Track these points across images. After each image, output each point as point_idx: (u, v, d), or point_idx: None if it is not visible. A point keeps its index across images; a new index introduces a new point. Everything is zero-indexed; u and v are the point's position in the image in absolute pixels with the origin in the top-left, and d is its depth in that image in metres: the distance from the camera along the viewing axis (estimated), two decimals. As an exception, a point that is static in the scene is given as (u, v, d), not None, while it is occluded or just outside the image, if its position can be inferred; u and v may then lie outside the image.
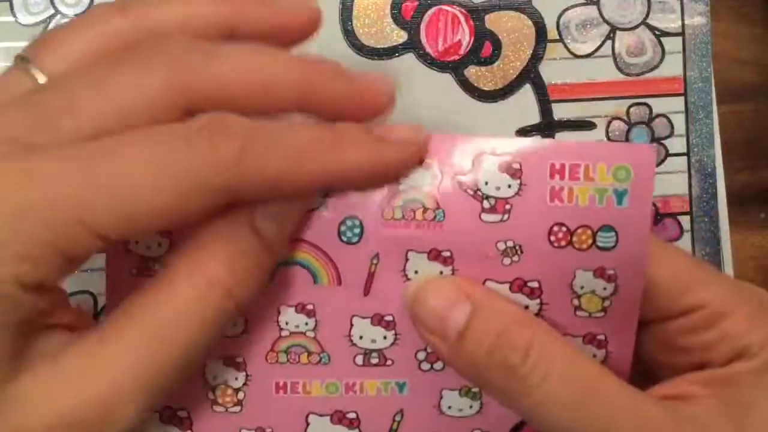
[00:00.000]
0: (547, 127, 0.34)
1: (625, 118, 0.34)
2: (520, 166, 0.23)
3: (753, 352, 0.23)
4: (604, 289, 0.23)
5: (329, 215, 0.23)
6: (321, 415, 0.26)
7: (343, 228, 0.23)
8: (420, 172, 0.23)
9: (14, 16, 0.33)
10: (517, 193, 0.23)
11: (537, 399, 0.22)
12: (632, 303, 0.23)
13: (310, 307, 0.24)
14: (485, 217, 0.23)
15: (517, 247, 0.23)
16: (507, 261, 0.23)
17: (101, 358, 0.20)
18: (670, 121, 0.34)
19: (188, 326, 0.20)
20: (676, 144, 0.34)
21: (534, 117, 0.34)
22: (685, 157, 0.34)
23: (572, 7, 0.34)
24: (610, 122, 0.34)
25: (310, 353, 0.25)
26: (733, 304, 0.23)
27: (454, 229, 0.23)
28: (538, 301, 0.24)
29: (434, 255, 0.23)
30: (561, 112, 0.34)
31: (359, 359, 0.25)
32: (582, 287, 0.23)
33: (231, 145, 0.19)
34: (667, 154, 0.34)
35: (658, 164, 0.34)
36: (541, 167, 0.23)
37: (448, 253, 0.23)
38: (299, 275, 0.24)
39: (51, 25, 0.33)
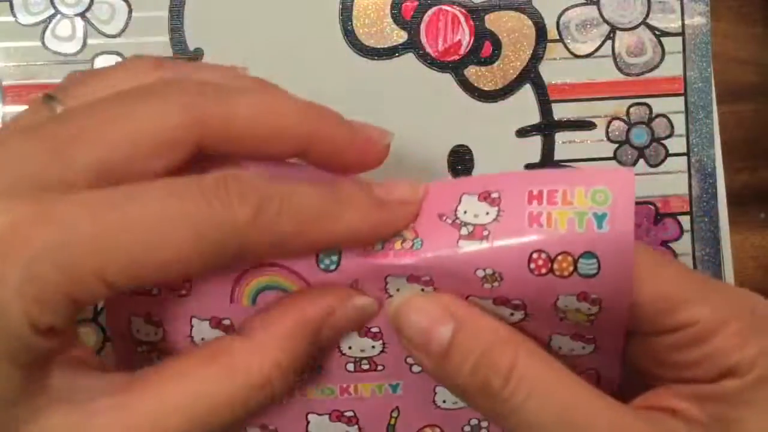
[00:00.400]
0: (547, 127, 0.34)
1: (625, 118, 0.34)
2: (499, 194, 0.22)
3: (743, 370, 0.22)
4: (589, 309, 0.22)
5: None
6: (320, 415, 0.26)
7: (321, 255, 0.23)
8: None
9: (14, 16, 0.33)
10: (495, 219, 0.22)
11: (519, 419, 0.22)
12: (619, 321, 0.23)
13: None
14: (462, 243, 0.22)
15: (496, 275, 0.22)
16: (488, 286, 0.22)
17: (133, 416, 0.20)
18: (670, 121, 0.34)
19: (225, 412, 0.21)
20: (676, 144, 0.34)
21: (534, 117, 0.34)
22: (685, 157, 0.34)
23: (572, 7, 0.34)
24: (610, 122, 0.34)
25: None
26: (723, 319, 0.22)
27: (432, 255, 0.22)
28: (522, 312, 0.23)
29: (413, 279, 0.23)
30: (561, 112, 0.34)
31: (350, 366, 0.25)
32: (566, 306, 0.23)
33: (247, 207, 0.20)
34: (667, 154, 0.34)
35: (658, 164, 0.34)
36: (519, 194, 0.22)
37: (427, 278, 0.23)
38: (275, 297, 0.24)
39: (51, 26, 0.33)
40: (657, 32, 0.35)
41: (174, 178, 0.20)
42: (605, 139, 0.34)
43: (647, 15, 0.35)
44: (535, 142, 0.34)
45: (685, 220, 0.34)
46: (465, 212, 0.22)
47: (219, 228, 0.19)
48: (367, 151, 0.23)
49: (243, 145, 0.21)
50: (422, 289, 0.23)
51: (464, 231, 0.22)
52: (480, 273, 0.22)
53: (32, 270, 0.18)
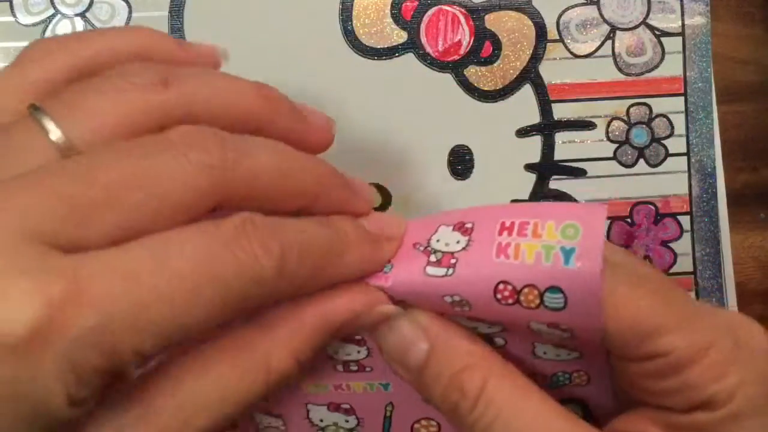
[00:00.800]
0: (547, 127, 0.34)
1: (625, 118, 0.34)
2: (473, 225, 0.23)
3: (717, 403, 0.21)
4: (561, 335, 0.22)
5: None
6: (318, 405, 0.27)
7: None
8: None
9: (14, 16, 0.33)
10: (464, 248, 0.22)
11: None
12: (595, 346, 0.22)
13: None
14: (430, 270, 0.22)
15: (464, 302, 0.22)
16: (458, 309, 0.23)
17: (162, 419, 0.20)
18: (670, 121, 0.34)
19: (245, 404, 0.21)
20: (676, 144, 0.34)
21: (534, 117, 0.34)
22: (685, 157, 0.34)
23: (572, 7, 0.34)
24: (610, 122, 0.34)
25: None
26: (700, 350, 0.21)
27: (401, 279, 0.23)
28: (500, 326, 0.23)
29: (391, 299, 0.23)
30: (561, 112, 0.34)
31: (339, 367, 0.26)
32: (539, 330, 0.22)
33: (272, 260, 0.20)
34: (667, 154, 0.34)
35: (658, 164, 0.34)
36: (491, 225, 0.22)
37: (401, 299, 0.23)
38: None
39: (51, 26, 0.33)
40: (657, 32, 0.35)
41: (194, 232, 0.19)
42: (605, 139, 0.34)
43: (647, 15, 0.35)
44: (535, 142, 0.34)
45: (685, 220, 0.34)
46: (437, 241, 0.23)
47: (246, 281, 0.19)
48: (363, 203, 0.24)
49: (258, 203, 0.21)
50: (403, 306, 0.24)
51: (433, 258, 0.22)
52: (447, 299, 0.22)
53: (72, 357, 0.17)
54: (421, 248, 0.23)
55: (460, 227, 0.23)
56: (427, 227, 0.24)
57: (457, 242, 0.22)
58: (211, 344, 0.21)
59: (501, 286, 0.21)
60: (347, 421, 0.27)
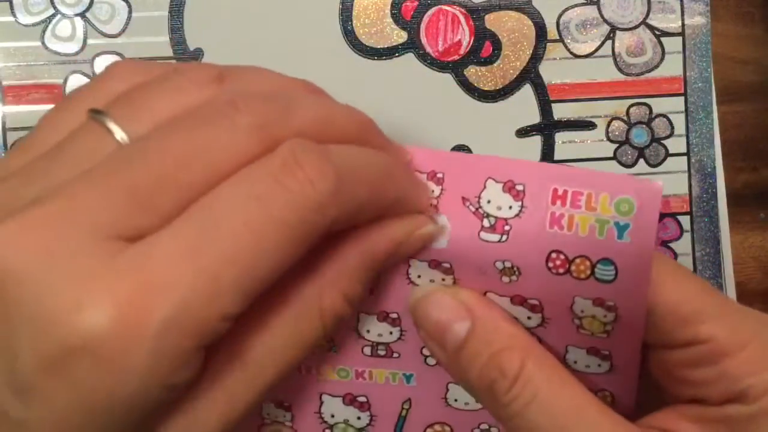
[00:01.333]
0: (547, 127, 0.34)
1: (625, 118, 0.34)
2: (524, 188, 0.23)
3: (752, 397, 0.21)
4: (605, 316, 0.23)
5: None
6: (333, 396, 0.26)
7: None
8: (429, 185, 0.23)
9: (14, 16, 0.33)
10: (517, 215, 0.22)
11: (519, 423, 0.22)
12: (634, 333, 0.23)
13: None
14: (484, 235, 0.23)
15: (515, 268, 0.23)
16: (506, 279, 0.23)
17: (233, 381, 0.20)
18: (670, 121, 0.34)
19: (303, 352, 0.21)
20: (676, 144, 0.34)
21: (534, 117, 0.34)
22: (685, 157, 0.34)
23: (572, 7, 0.34)
24: (610, 122, 0.34)
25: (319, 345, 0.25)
26: (738, 342, 0.22)
27: (453, 242, 0.23)
28: (539, 315, 0.23)
29: (434, 264, 0.24)
30: (561, 112, 0.34)
31: (367, 350, 0.25)
32: (582, 311, 0.23)
33: (328, 181, 0.19)
34: (667, 154, 0.34)
35: (658, 164, 0.34)
36: (544, 191, 0.22)
37: (447, 265, 0.23)
38: None
39: (51, 26, 0.33)
40: (657, 32, 0.35)
41: (241, 181, 0.19)
42: (605, 139, 0.34)
43: (647, 15, 0.35)
44: (535, 142, 0.34)
45: (685, 220, 0.34)
46: (488, 202, 0.23)
47: (307, 212, 0.19)
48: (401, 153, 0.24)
49: None
50: (442, 279, 0.24)
51: (486, 223, 0.23)
52: (499, 265, 0.23)
53: (160, 350, 0.17)
54: (472, 208, 0.23)
55: (511, 188, 0.23)
56: (473, 176, 0.23)
57: (510, 207, 0.22)
58: (263, 298, 0.20)
59: (554, 255, 0.22)
60: (359, 419, 0.27)
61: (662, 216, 0.34)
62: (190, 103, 0.20)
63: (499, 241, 0.22)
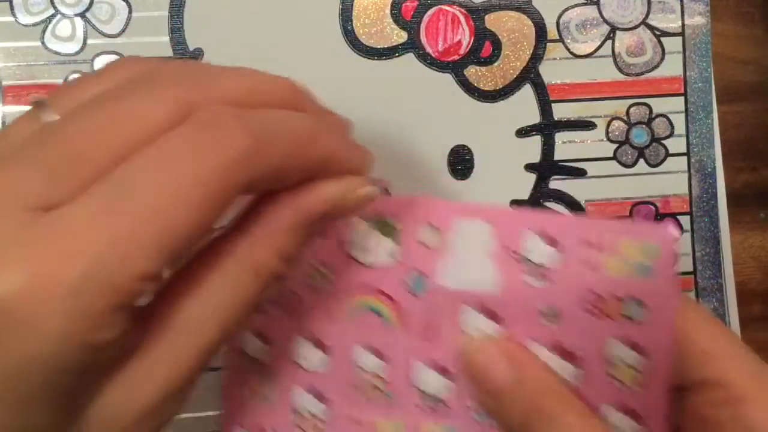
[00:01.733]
0: (547, 127, 0.34)
1: (625, 118, 0.34)
2: (558, 238, 0.24)
3: None
4: (636, 359, 0.24)
5: (397, 267, 0.26)
6: None
7: (409, 281, 0.25)
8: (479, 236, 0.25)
9: (14, 16, 0.33)
10: (555, 261, 0.24)
11: None
12: (662, 380, 0.24)
13: (379, 348, 0.26)
14: (527, 279, 0.24)
15: (555, 313, 0.24)
16: (545, 322, 0.25)
17: (171, 348, 0.20)
18: (670, 121, 0.35)
19: (245, 309, 0.21)
20: (676, 144, 0.34)
21: (534, 117, 0.34)
22: (685, 157, 0.34)
23: (572, 7, 0.34)
24: (610, 122, 0.34)
25: (377, 389, 0.27)
26: (755, 388, 0.22)
27: (507, 287, 0.25)
28: (576, 366, 0.25)
29: (484, 309, 0.25)
30: (561, 112, 0.34)
31: (417, 399, 0.26)
32: (614, 356, 0.24)
33: (247, 136, 0.19)
34: (667, 154, 0.34)
35: (658, 164, 0.34)
36: (576, 241, 0.24)
37: (494, 310, 0.25)
38: (372, 320, 0.26)
39: (51, 26, 0.33)
40: (657, 32, 0.35)
41: (159, 143, 0.19)
42: (605, 139, 0.34)
43: (647, 15, 0.35)
44: (535, 142, 0.34)
45: (685, 220, 0.34)
46: (530, 251, 0.25)
47: (226, 169, 0.19)
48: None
49: None
50: (490, 326, 0.25)
51: (526, 267, 0.25)
52: (542, 308, 0.25)
53: (75, 308, 0.18)
54: (515, 257, 0.25)
55: (547, 237, 0.25)
56: (508, 226, 0.25)
57: (548, 255, 0.25)
58: (196, 260, 0.21)
59: (591, 296, 0.24)
60: None
61: (662, 216, 0.34)
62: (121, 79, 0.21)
63: (541, 286, 0.24)
